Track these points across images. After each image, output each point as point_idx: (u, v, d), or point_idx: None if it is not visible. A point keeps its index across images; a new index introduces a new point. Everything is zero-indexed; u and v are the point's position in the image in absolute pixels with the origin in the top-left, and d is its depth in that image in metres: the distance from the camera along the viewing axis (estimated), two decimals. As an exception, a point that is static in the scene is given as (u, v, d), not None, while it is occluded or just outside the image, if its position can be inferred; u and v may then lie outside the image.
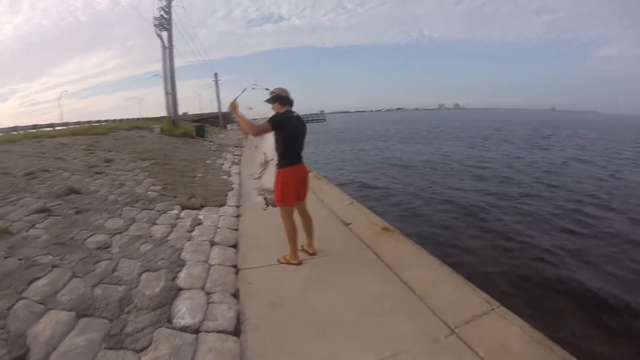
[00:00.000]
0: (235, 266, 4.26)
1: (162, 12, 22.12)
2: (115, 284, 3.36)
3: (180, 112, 27.59)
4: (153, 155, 10.94)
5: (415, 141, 36.79)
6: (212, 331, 2.89)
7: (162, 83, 23.38)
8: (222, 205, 6.74)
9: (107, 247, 4.11)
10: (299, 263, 4.29)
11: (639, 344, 4.55)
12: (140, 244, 4.37)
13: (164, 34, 22.44)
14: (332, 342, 2.86)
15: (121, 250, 4.12)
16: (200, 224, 5.52)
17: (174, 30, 22.93)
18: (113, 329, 2.70)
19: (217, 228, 5.46)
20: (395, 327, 3.06)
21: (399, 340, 2.88)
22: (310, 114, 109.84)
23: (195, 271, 3.87)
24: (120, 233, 4.61)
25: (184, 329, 2.85)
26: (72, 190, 5.69)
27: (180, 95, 24.39)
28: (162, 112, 28.10)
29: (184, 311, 3.07)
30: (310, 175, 4.48)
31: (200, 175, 9.56)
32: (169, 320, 2.94)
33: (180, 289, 3.47)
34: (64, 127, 25.60)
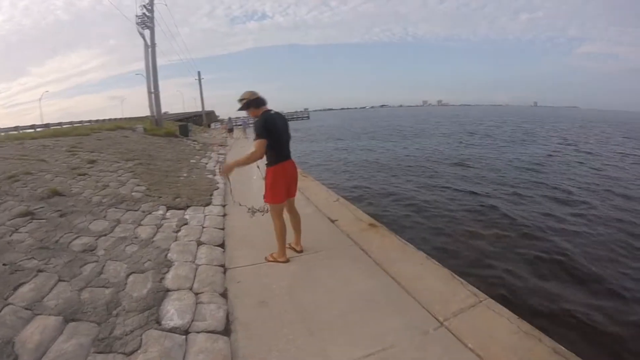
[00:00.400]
0: (223, 265, 4.25)
1: (145, 10, 21.94)
2: (102, 287, 3.34)
3: (163, 111, 27.37)
4: (137, 156, 10.86)
5: (401, 137, 36.98)
6: (202, 331, 2.89)
7: (145, 82, 23.20)
8: (208, 204, 6.72)
9: (92, 250, 4.08)
10: (287, 261, 4.30)
11: (626, 331, 4.65)
12: (126, 246, 4.35)
13: (147, 32, 22.26)
14: (321, 339, 2.88)
15: (107, 252, 4.09)
16: (186, 224, 5.49)
17: (157, 29, 22.77)
18: (102, 333, 2.68)
19: (204, 228, 5.44)
20: (384, 322, 3.09)
21: (388, 335, 2.91)
22: (295, 112, 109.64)
23: (183, 272, 3.86)
24: (105, 235, 4.57)
25: (173, 330, 2.84)
26: (56, 193, 5.63)
27: (163, 94, 24.23)
28: (145, 111, 27.91)
29: (173, 312, 3.06)
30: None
31: (185, 174, 9.52)
32: (158, 322, 2.93)
33: (168, 290, 3.46)
34: (46, 129, 25.30)
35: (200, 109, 57.62)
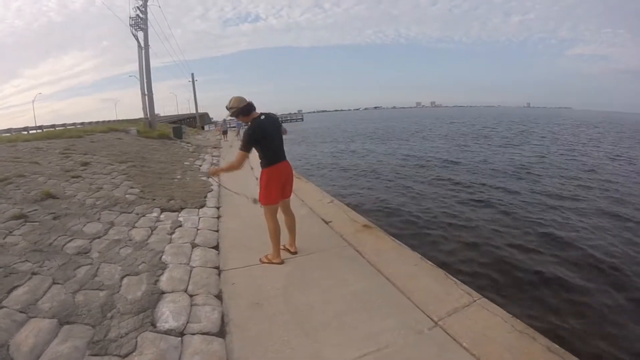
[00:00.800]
0: (217, 267, 4.25)
1: (138, 12, 21.91)
2: (97, 289, 3.34)
3: (157, 113, 27.32)
4: (130, 158, 10.83)
5: (397, 138, 37.05)
6: (197, 333, 2.89)
7: (138, 84, 23.17)
8: (202, 206, 6.71)
9: (86, 252, 4.06)
10: (281, 262, 4.31)
11: (618, 330, 4.69)
12: (120, 248, 4.34)
13: (140, 34, 22.23)
14: (316, 340, 2.89)
15: (101, 255, 4.08)
16: (180, 226, 5.49)
17: (150, 30, 22.76)
18: (96, 335, 2.68)
19: (198, 230, 5.44)
20: (379, 322, 3.11)
21: (383, 335, 2.92)
22: (289, 114, 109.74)
23: (177, 274, 3.86)
24: (99, 237, 4.56)
25: (168, 332, 2.84)
26: (49, 195, 5.61)
27: (156, 96, 24.21)
28: (138, 113, 27.89)
29: (168, 314, 3.06)
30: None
31: (178, 177, 9.50)
32: (153, 324, 2.93)
33: (162, 292, 3.46)
34: (39, 131, 25.22)
35: (194, 111, 57.53)
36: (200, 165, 12.18)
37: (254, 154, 4.16)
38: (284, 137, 4.31)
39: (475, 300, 3.43)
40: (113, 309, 3.06)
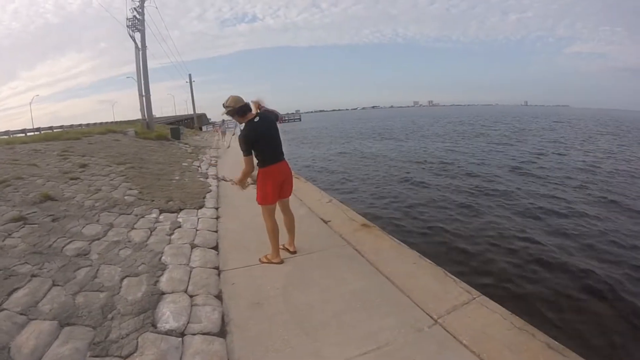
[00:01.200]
0: (217, 268, 4.26)
1: (135, 13, 21.92)
2: (97, 290, 3.34)
3: (155, 114, 27.28)
4: (128, 159, 10.82)
5: (395, 138, 37.07)
6: (198, 333, 2.90)
7: (136, 85, 23.16)
8: (201, 207, 6.71)
9: (86, 254, 4.07)
10: (281, 262, 4.33)
11: (619, 325, 4.71)
12: (120, 250, 4.34)
13: (137, 35, 22.24)
14: (316, 339, 2.90)
15: (101, 256, 4.08)
16: (179, 227, 5.49)
17: (147, 31, 22.76)
18: (97, 337, 2.68)
19: (197, 230, 5.44)
20: (379, 321, 3.12)
21: (383, 333, 2.93)
22: (286, 114, 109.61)
23: (177, 274, 3.87)
24: (98, 239, 4.56)
25: (169, 332, 2.85)
26: (48, 197, 5.61)
27: (154, 97, 24.20)
28: (136, 114, 27.88)
29: (168, 315, 3.07)
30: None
31: (177, 178, 9.49)
32: (154, 325, 2.93)
33: (162, 293, 3.46)
34: (37, 133, 25.23)
35: (191, 112, 57.47)
36: (199, 166, 12.17)
37: None
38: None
39: (474, 298, 3.45)
40: (113, 310, 3.06)
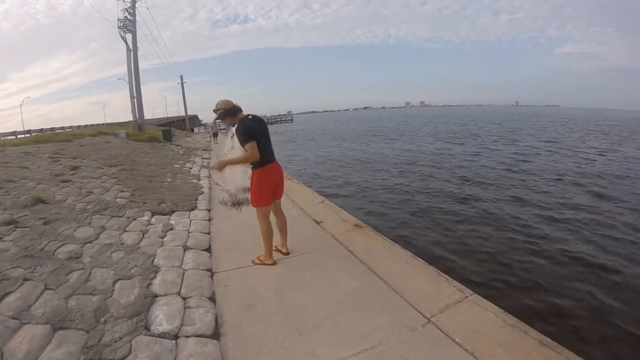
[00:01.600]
0: (210, 269, 4.26)
1: (126, 14, 21.82)
2: (89, 294, 3.33)
3: (146, 116, 27.18)
4: (120, 161, 10.77)
5: (387, 137, 37.21)
6: (191, 336, 2.90)
7: (127, 86, 23.07)
8: (193, 209, 6.70)
9: (78, 257, 4.05)
10: (274, 263, 4.33)
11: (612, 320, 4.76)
12: (112, 252, 4.33)
13: (128, 36, 22.15)
14: (310, 339, 2.91)
15: (93, 259, 4.06)
16: (171, 229, 5.49)
17: (138, 32, 22.66)
18: (90, 340, 2.68)
19: (189, 232, 5.43)
20: (372, 320, 3.14)
21: (376, 333, 2.95)
22: (278, 115, 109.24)
23: (170, 277, 3.86)
24: (90, 242, 4.54)
25: (162, 335, 2.84)
26: (39, 200, 5.57)
27: (145, 98, 24.10)
28: (127, 116, 27.77)
29: (161, 317, 3.07)
30: (281, 175, 4.53)
31: (169, 180, 9.47)
32: (147, 328, 2.93)
33: (155, 296, 3.46)
34: (27, 135, 25.07)
35: (183, 113, 57.31)
36: (191, 168, 12.15)
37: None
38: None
39: (467, 297, 3.47)
40: (106, 313, 3.06)
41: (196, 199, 7.39)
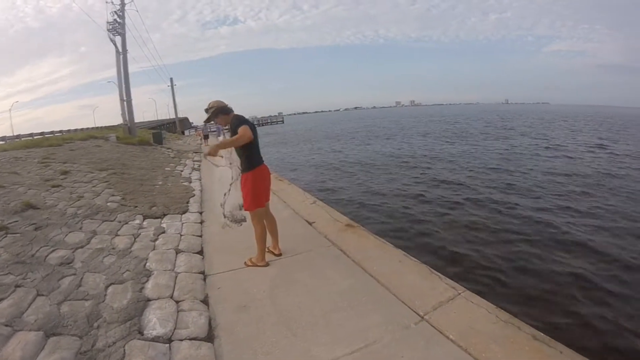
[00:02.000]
0: (202, 272, 4.26)
1: (116, 16, 21.68)
2: (82, 299, 3.32)
3: (136, 119, 27.06)
4: (110, 165, 10.70)
5: (377, 137, 37.29)
6: (185, 339, 2.90)
7: (117, 90, 22.96)
8: (185, 212, 6.69)
9: (69, 263, 4.03)
10: (266, 264, 4.34)
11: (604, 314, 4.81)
12: (104, 257, 4.31)
13: (118, 39, 22.02)
14: (305, 339, 2.92)
15: (84, 264, 4.04)
16: (163, 232, 5.48)
17: (128, 35, 22.54)
18: (84, 346, 2.67)
19: (181, 235, 5.43)
20: (366, 319, 3.16)
21: (370, 331, 2.97)
22: (269, 116, 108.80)
23: (163, 280, 3.86)
24: (82, 247, 4.52)
25: (156, 339, 2.84)
26: (29, 206, 5.53)
27: (135, 101, 23.98)
28: (117, 119, 27.64)
29: (155, 321, 3.06)
30: (272, 176, 4.54)
31: (160, 183, 9.44)
32: (140, 332, 2.93)
33: (148, 300, 3.45)
34: (17, 140, 24.89)
35: (173, 116, 57.14)
36: (182, 171, 12.10)
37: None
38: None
39: (459, 294, 3.50)
40: (99, 318, 3.05)
41: (188, 202, 7.38)
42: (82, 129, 39.94)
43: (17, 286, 3.33)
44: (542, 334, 2.84)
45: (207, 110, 4.11)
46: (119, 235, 5.13)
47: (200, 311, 3.34)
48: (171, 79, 51.09)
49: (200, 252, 4.90)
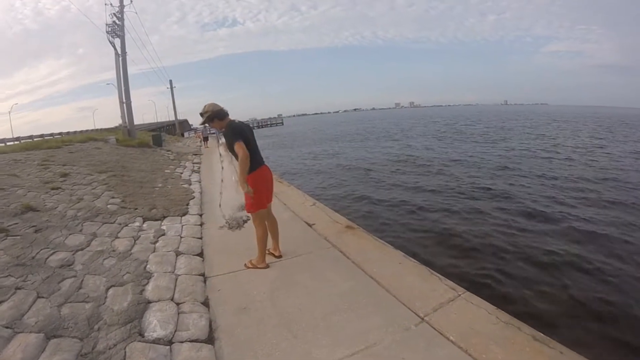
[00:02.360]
0: (202, 274, 4.26)
1: (115, 18, 21.67)
2: (82, 301, 3.32)
3: (136, 121, 27.04)
4: (110, 167, 10.70)
5: (376, 139, 37.30)
6: (186, 341, 2.90)
7: (116, 92, 22.96)
8: (185, 214, 6.69)
9: (70, 265, 4.03)
10: (267, 266, 4.34)
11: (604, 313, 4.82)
12: (104, 259, 4.31)
13: (117, 41, 21.99)
14: (305, 341, 2.92)
15: (85, 266, 4.05)
16: (163, 234, 5.48)
17: (127, 37, 22.52)
18: (84, 348, 2.67)
19: (181, 237, 5.42)
20: (366, 321, 3.15)
21: (371, 333, 2.97)
22: (269, 118, 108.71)
23: (163, 282, 3.86)
24: (82, 249, 4.52)
25: (156, 341, 2.84)
26: (29, 208, 5.53)
27: (135, 103, 24.02)
28: (117, 121, 27.64)
29: (155, 323, 3.07)
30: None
31: (160, 185, 9.43)
32: (141, 334, 2.93)
33: (149, 302, 3.45)
34: (16, 142, 24.88)
35: (173, 118, 57.14)
36: (181, 173, 12.10)
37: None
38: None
39: (460, 295, 3.50)
40: (100, 320, 3.05)
41: (187, 204, 7.37)
42: (81, 131, 39.93)
43: (18, 288, 3.33)
44: (542, 335, 2.85)
45: (202, 115, 4.09)
46: (119, 238, 5.13)
47: (200, 313, 3.34)
48: (170, 81, 51.15)
49: (201, 254, 4.89)
